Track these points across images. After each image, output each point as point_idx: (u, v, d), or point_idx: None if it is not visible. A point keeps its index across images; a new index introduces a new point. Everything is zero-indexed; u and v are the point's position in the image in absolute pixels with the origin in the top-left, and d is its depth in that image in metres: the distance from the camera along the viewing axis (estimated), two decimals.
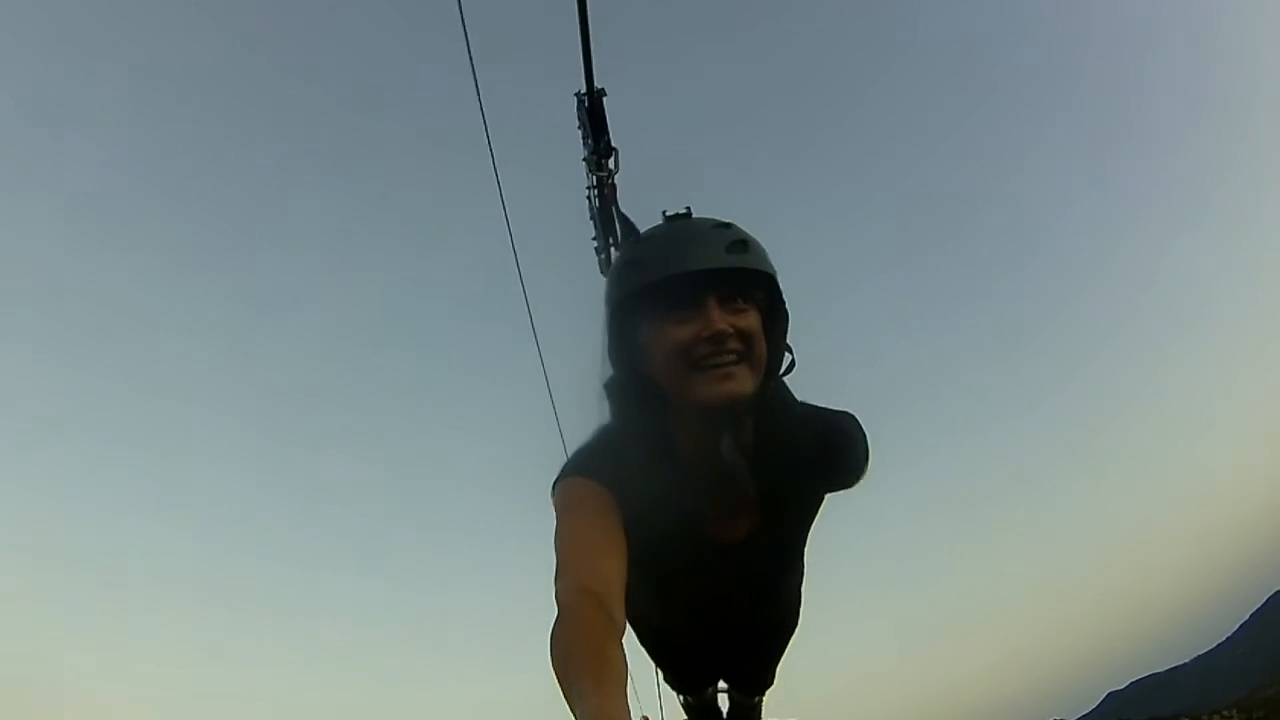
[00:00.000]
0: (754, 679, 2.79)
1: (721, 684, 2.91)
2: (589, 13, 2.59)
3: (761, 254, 1.53)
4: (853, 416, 1.72)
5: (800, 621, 2.43)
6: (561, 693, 1.15)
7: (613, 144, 3.02)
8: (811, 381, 1.71)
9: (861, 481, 1.76)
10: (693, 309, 1.47)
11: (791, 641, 2.52)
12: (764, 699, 2.93)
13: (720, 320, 1.46)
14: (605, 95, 2.99)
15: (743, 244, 1.51)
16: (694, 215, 1.61)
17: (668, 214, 1.63)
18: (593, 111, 2.99)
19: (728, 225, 1.54)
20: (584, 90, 3.02)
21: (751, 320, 1.50)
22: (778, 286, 1.56)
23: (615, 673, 1.18)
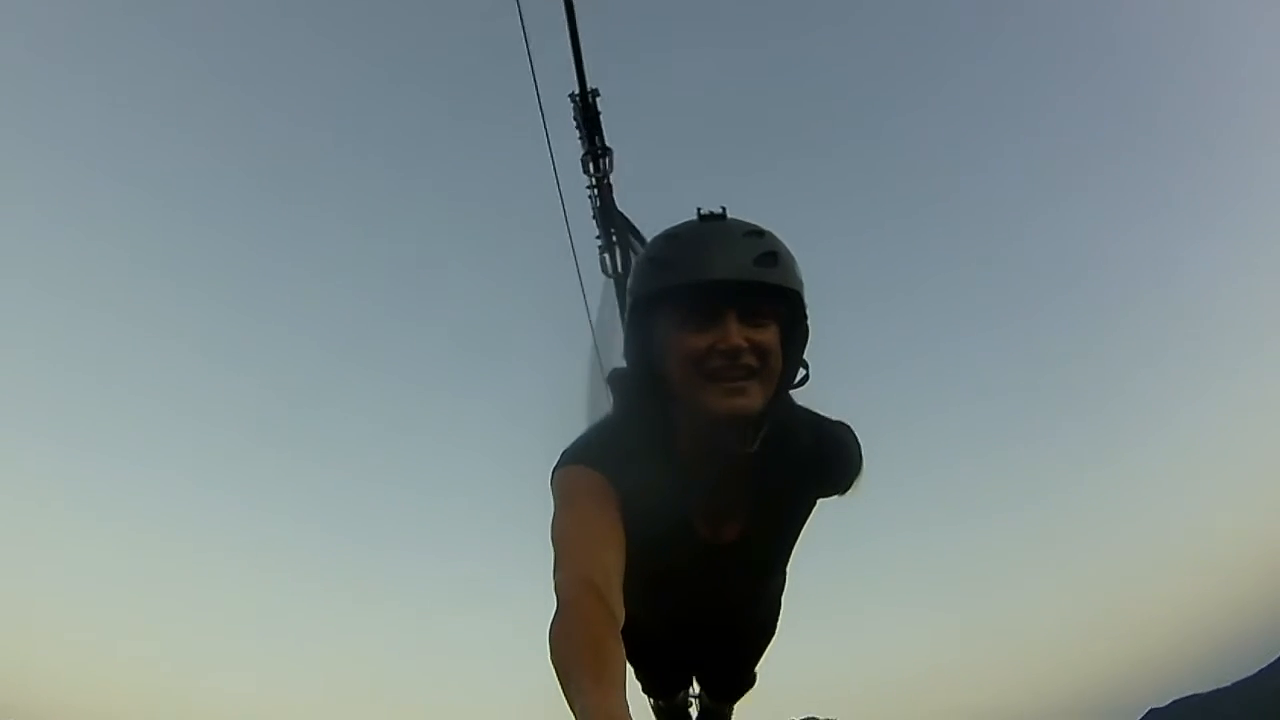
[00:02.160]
0: (728, 684, 2.78)
1: (694, 689, 2.91)
2: (576, 14, 2.60)
3: (789, 268, 1.49)
4: (848, 427, 1.71)
5: (778, 630, 2.43)
6: (560, 688, 1.15)
7: (607, 144, 3.04)
8: (825, 390, 1.70)
9: (852, 490, 1.74)
10: (712, 319, 1.44)
11: (768, 648, 2.51)
12: (733, 708, 2.92)
13: (737, 335, 1.43)
14: (599, 96, 3.01)
15: (772, 256, 1.46)
16: (729, 218, 1.53)
17: (702, 212, 1.54)
18: (586, 112, 3.00)
19: (760, 233, 1.49)
20: (577, 91, 3.04)
21: (769, 336, 1.47)
22: (802, 302, 1.52)
23: (614, 669, 1.17)
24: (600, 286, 3.79)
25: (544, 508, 1.53)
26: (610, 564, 1.39)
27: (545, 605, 1.30)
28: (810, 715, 2.59)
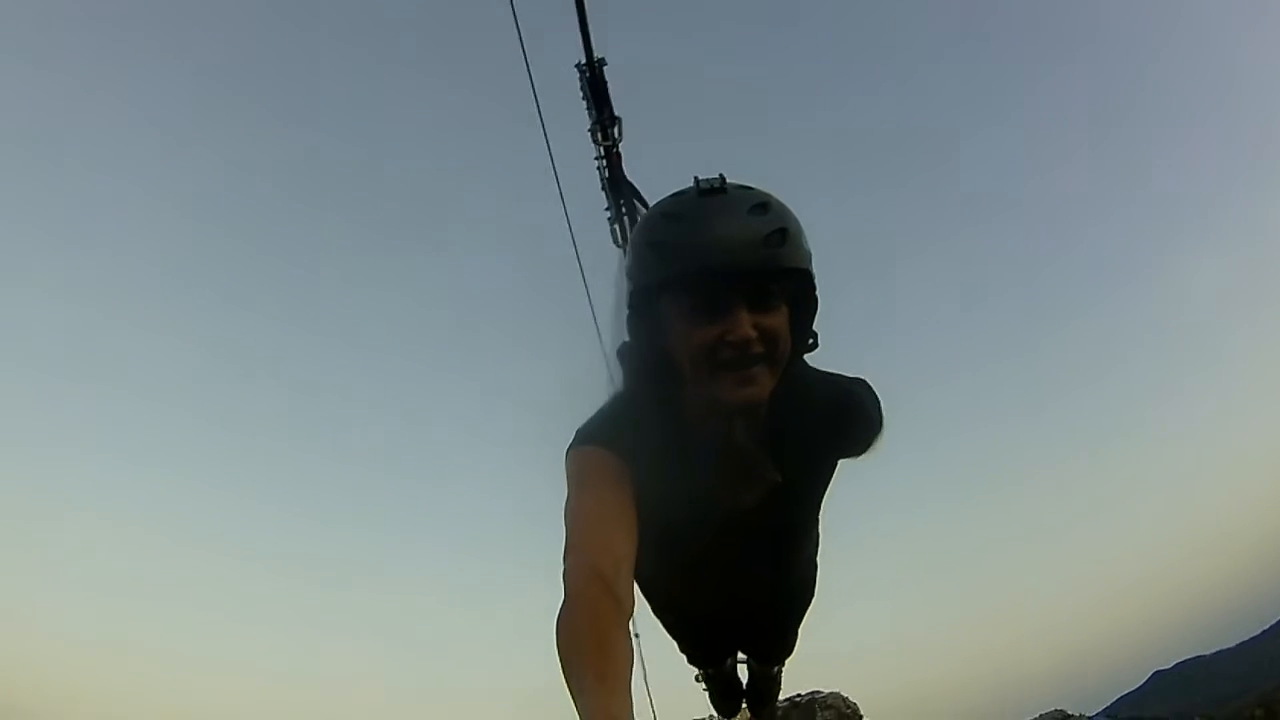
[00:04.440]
0: (772, 649, 2.76)
1: (740, 655, 2.88)
2: None
3: (798, 244, 1.42)
4: (866, 383, 1.66)
5: (817, 591, 2.40)
6: (565, 682, 1.13)
7: (616, 113, 3.00)
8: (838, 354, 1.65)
9: (875, 449, 1.70)
10: (720, 309, 1.39)
11: (808, 611, 2.48)
12: (783, 668, 2.90)
13: (747, 325, 1.38)
14: (605, 65, 2.97)
15: (780, 235, 1.38)
16: (729, 186, 1.43)
17: (700, 182, 1.43)
18: (594, 82, 2.97)
19: (765, 206, 1.40)
20: (584, 61, 2.99)
21: (779, 319, 1.42)
22: (812, 278, 1.47)
23: (619, 665, 1.15)
24: (613, 258, 3.74)
25: (553, 498, 1.50)
26: (620, 550, 1.36)
27: (553, 594, 1.28)
28: (814, 690, 2.56)
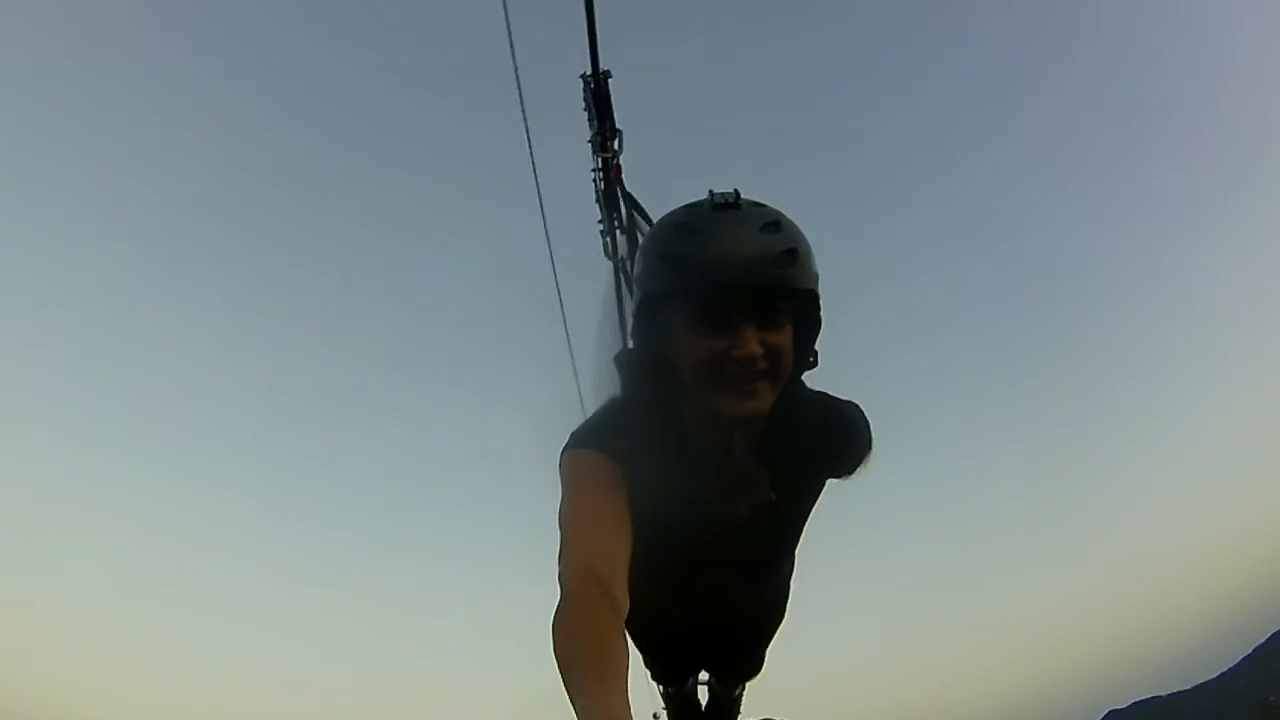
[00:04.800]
0: (739, 667, 2.75)
1: (703, 676, 2.88)
2: None
3: (807, 265, 1.43)
4: (858, 406, 1.69)
5: (786, 614, 2.41)
6: (563, 683, 1.13)
7: (617, 126, 3.01)
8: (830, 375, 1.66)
9: (862, 470, 1.72)
10: (727, 325, 1.40)
11: (778, 633, 2.49)
12: (744, 692, 2.90)
13: (754, 342, 1.39)
14: (610, 78, 2.98)
15: (791, 255, 1.39)
16: (743, 202, 1.44)
17: (715, 195, 1.44)
18: (598, 94, 2.98)
19: (777, 225, 1.41)
20: (589, 73, 3.00)
21: (784, 338, 1.44)
22: (818, 299, 1.48)
23: (616, 666, 1.16)
24: (599, 268, 3.74)
25: (547, 500, 1.50)
26: (615, 552, 1.37)
27: (549, 596, 1.28)
28: (766, 717, 2.58)
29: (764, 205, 1.45)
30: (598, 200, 3.55)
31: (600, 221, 3.61)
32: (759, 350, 1.40)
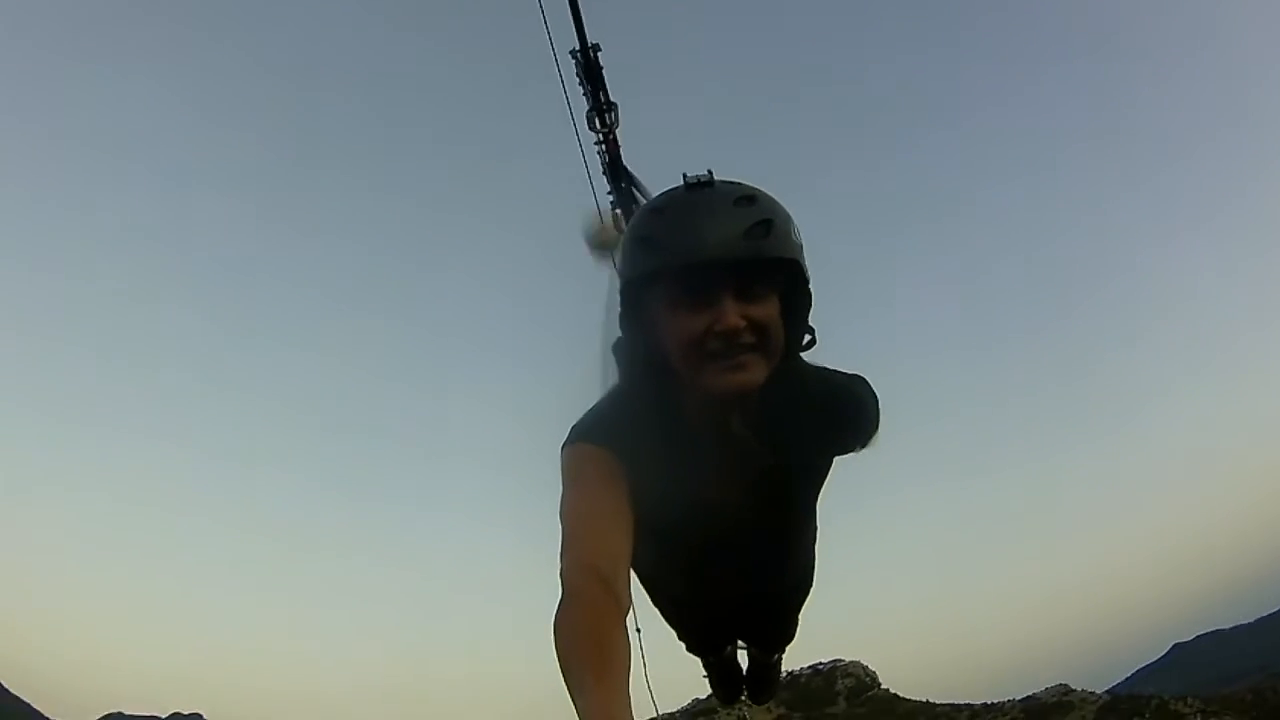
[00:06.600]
0: (772, 638, 2.77)
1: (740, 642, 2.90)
2: None
3: (784, 235, 1.41)
4: (864, 379, 1.65)
5: (815, 580, 2.40)
6: (564, 681, 1.14)
7: (612, 99, 2.96)
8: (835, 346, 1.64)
9: (872, 445, 1.69)
10: (707, 300, 1.39)
11: (806, 601, 2.48)
12: (783, 655, 2.91)
13: (734, 315, 1.38)
14: (600, 50, 2.92)
15: (765, 225, 1.38)
16: (716, 181, 1.44)
17: (688, 178, 1.44)
18: (589, 68, 2.93)
19: (751, 199, 1.40)
20: (579, 47, 2.95)
21: (768, 310, 1.42)
22: (801, 269, 1.46)
23: (617, 665, 1.16)
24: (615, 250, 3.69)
25: (548, 493, 1.50)
26: (617, 547, 1.37)
27: (551, 592, 1.28)
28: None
29: (739, 183, 1.44)
30: (605, 173, 3.50)
31: (610, 193, 3.56)
32: (741, 323, 1.38)
